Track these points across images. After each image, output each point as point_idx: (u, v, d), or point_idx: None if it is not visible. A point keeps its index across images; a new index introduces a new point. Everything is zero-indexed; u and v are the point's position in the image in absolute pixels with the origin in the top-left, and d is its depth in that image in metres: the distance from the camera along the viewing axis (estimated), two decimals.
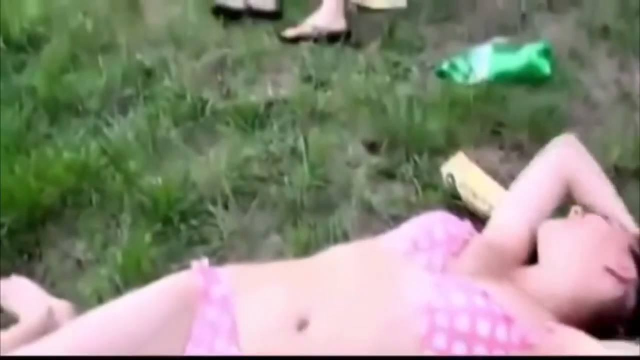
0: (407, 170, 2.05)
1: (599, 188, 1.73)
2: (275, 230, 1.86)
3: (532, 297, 1.45)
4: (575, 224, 1.58)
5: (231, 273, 1.46)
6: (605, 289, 1.47)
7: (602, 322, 1.46)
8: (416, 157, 2.08)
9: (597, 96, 2.38)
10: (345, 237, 1.81)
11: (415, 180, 2.02)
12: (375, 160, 2.09)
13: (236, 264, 1.55)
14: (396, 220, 1.88)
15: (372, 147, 2.13)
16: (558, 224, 1.59)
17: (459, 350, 1.31)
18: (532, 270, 1.53)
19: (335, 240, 1.80)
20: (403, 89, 2.40)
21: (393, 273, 1.42)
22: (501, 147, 2.20)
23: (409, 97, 2.32)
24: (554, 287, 1.48)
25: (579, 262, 1.50)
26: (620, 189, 2.01)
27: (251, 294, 1.39)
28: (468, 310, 1.33)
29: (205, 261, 1.47)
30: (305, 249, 1.75)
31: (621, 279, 1.47)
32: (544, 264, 1.53)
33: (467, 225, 1.57)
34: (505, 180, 2.02)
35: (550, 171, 1.70)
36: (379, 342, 1.32)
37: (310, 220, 1.88)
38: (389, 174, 2.05)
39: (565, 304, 1.46)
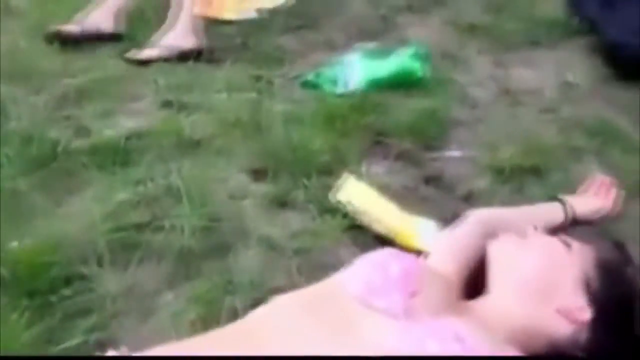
0: (298, 196, 1.81)
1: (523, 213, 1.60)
2: (166, 286, 1.54)
3: (490, 330, 1.25)
4: (530, 246, 1.36)
5: None
6: (557, 330, 1.27)
7: (558, 353, 1.28)
8: (305, 181, 1.83)
9: (475, 95, 2.23)
10: (252, 284, 1.53)
11: (310, 206, 1.77)
12: (262, 188, 1.82)
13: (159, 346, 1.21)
14: (301, 254, 1.64)
15: (257, 175, 1.87)
16: (512, 245, 1.37)
17: None
18: (482, 300, 1.33)
19: (241, 288, 1.52)
20: (273, 105, 2.14)
21: (351, 322, 1.17)
22: (386, 157, 2.00)
23: (283, 114, 2.08)
24: (507, 317, 1.27)
25: (531, 297, 1.29)
26: (520, 189, 1.90)
27: None
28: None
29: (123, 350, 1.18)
30: (210, 306, 1.46)
31: (574, 321, 1.28)
32: (494, 291, 1.32)
33: (416, 258, 1.35)
34: (398, 192, 1.83)
35: (470, 226, 1.53)
36: None
37: (205, 268, 1.58)
38: (280, 203, 1.78)
39: (520, 335, 1.26)
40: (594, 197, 1.75)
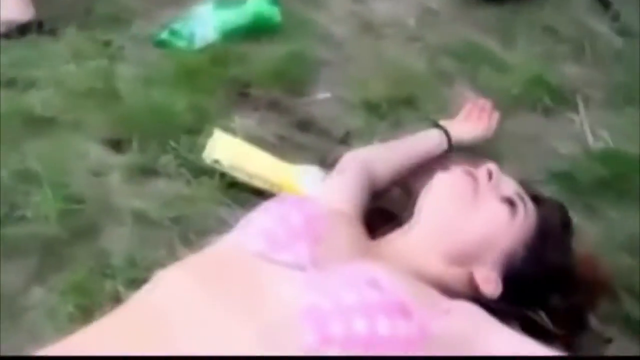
0: (167, 161, 1.66)
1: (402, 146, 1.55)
2: (35, 281, 1.38)
3: (403, 268, 1.17)
4: (480, 209, 1.25)
5: None
6: (459, 291, 1.21)
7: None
8: (172, 144, 1.68)
9: (337, 33, 2.12)
10: (132, 263, 1.39)
11: (183, 170, 1.64)
12: (126, 159, 1.66)
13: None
14: (180, 222, 1.51)
15: (119, 146, 1.70)
16: (460, 200, 1.25)
17: None
18: (395, 239, 1.26)
19: (120, 270, 1.38)
20: (127, 70, 1.97)
21: (258, 284, 1.06)
22: (256, 109, 1.88)
23: (139, 78, 1.91)
24: (422, 266, 1.21)
25: (456, 258, 1.23)
26: (397, 122, 1.83)
27: None
28: (363, 309, 1.01)
29: None
30: (88, 294, 1.32)
31: (477, 292, 1.22)
32: (415, 234, 1.25)
33: (318, 203, 1.25)
34: (273, 142, 1.74)
35: (351, 169, 1.47)
36: None
37: (76, 254, 1.42)
38: (148, 172, 1.64)
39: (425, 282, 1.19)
40: (472, 122, 1.70)
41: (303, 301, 1.02)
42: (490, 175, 1.27)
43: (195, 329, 0.99)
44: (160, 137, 1.70)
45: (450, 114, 1.73)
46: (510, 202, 1.25)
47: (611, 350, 1.24)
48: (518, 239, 1.24)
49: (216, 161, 1.63)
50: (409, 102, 1.85)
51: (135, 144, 1.68)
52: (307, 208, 1.20)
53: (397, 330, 1.02)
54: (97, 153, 1.68)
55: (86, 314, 1.28)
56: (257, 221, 1.17)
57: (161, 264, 1.32)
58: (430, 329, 1.05)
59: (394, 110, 1.84)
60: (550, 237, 1.27)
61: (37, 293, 1.37)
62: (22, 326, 1.32)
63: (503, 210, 1.24)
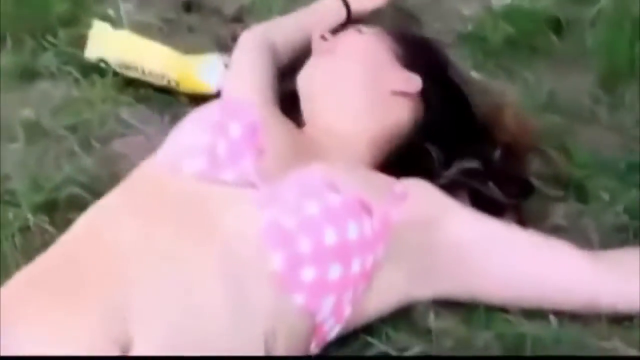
0: (48, 60, 1.45)
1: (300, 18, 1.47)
2: None
3: (348, 158, 1.11)
4: (334, 58, 1.21)
5: None
6: (400, 114, 1.19)
7: (412, 153, 1.19)
8: (51, 39, 1.48)
9: None
10: (35, 186, 1.20)
11: (69, 68, 1.44)
12: (2, 62, 1.45)
13: None
14: (77, 131, 1.33)
15: None
16: (318, 69, 1.21)
17: (335, 273, 0.93)
18: (319, 130, 1.16)
19: (25, 197, 1.19)
20: None
21: (201, 208, 0.95)
22: None
23: None
24: (356, 135, 1.15)
25: (365, 104, 1.17)
26: None
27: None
28: (329, 217, 0.93)
29: None
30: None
31: (409, 95, 1.19)
32: (325, 119, 1.17)
33: (254, 105, 1.13)
34: (161, 27, 1.56)
35: (251, 49, 1.37)
36: (227, 302, 0.88)
37: None
38: (30, 74, 1.43)
39: (375, 144, 1.16)
40: None
41: (261, 221, 0.93)
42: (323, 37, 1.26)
43: (152, 267, 0.88)
44: (35, 33, 1.49)
45: None
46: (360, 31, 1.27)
47: (557, 211, 1.23)
48: (386, 42, 1.25)
49: (102, 60, 1.44)
50: None
51: (7, 44, 1.47)
52: (243, 115, 1.06)
53: (363, 230, 0.96)
54: None
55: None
56: (191, 137, 1.04)
57: (69, 182, 1.19)
58: (392, 218, 1.00)
59: None
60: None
61: None
62: None
63: (353, 35, 1.26)
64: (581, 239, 1.17)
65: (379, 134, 1.18)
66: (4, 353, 0.80)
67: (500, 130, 1.23)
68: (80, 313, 0.84)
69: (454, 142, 1.19)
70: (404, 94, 1.20)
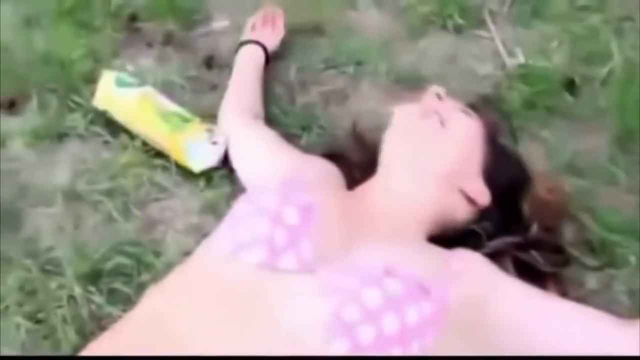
0: (75, 121, 1.42)
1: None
2: None
3: (401, 231, 1.09)
4: (445, 132, 1.17)
5: None
6: (459, 212, 1.17)
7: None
8: (77, 99, 1.45)
9: None
10: (79, 253, 1.18)
11: (100, 130, 1.41)
12: (26, 122, 1.42)
13: None
14: (111, 194, 1.31)
15: (12, 107, 1.44)
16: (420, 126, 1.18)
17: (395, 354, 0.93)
18: (375, 190, 1.15)
19: (69, 265, 1.16)
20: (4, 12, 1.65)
21: (262, 299, 0.94)
22: (150, 45, 1.67)
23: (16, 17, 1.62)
24: (418, 208, 1.13)
25: (443, 183, 1.15)
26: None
27: None
28: (390, 306, 0.93)
29: None
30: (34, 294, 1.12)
31: (474, 204, 1.18)
32: (394, 180, 1.15)
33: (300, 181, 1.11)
34: (182, 84, 1.55)
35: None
36: None
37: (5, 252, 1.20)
38: (57, 135, 1.40)
39: (427, 223, 1.13)
40: (271, 28, 1.63)
41: (323, 312, 0.92)
42: (439, 96, 1.22)
43: None
44: (59, 91, 1.47)
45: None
46: (467, 114, 1.24)
47: (592, 280, 1.25)
48: (482, 145, 1.22)
49: (106, 111, 1.43)
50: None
51: (31, 103, 1.44)
52: (297, 198, 1.04)
53: (423, 313, 0.96)
54: None
55: (39, 322, 1.11)
56: (249, 227, 1.00)
57: (114, 252, 1.17)
58: (449, 299, 1.00)
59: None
60: (501, 135, 1.28)
61: None
62: None
63: (468, 121, 1.21)
64: (613, 302, 1.21)
65: (435, 219, 1.15)
66: None
67: (536, 200, 1.22)
68: None
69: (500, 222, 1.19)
70: (469, 199, 1.18)
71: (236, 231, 1.00)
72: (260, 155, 1.32)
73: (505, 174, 1.21)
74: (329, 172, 1.22)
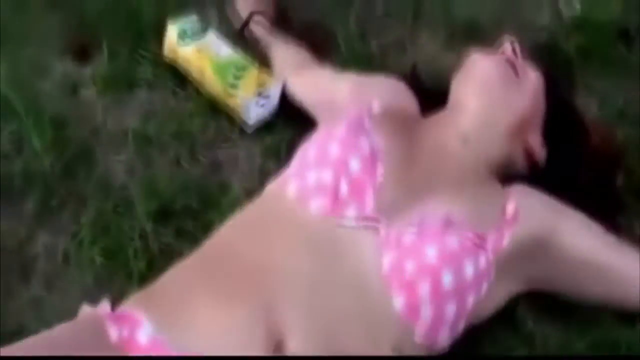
0: (144, 70, 1.42)
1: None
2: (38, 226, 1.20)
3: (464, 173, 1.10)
4: (519, 82, 1.17)
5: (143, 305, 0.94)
6: (517, 164, 1.17)
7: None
8: (143, 52, 1.45)
9: None
10: (152, 193, 1.22)
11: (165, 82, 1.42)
12: (97, 71, 1.43)
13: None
14: (180, 138, 1.33)
15: (82, 55, 1.46)
16: (502, 83, 1.16)
17: (451, 312, 0.96)
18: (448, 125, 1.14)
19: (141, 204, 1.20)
20: None
21: (328, 247, 0.97)
22: None
23: None
24: (486, 157, 1.13)
25: (512, 135, 1.15)
26: None
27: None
28: (447, 261, 0.95)
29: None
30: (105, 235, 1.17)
31: (531, 159, 1.18)
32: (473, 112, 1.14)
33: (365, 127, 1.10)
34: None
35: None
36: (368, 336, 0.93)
37: (80, 191, 1.24)
38: (127, 83, 1.41)
39: (489, 171, 1.13)
40: None
41: (383, 264, 0.95)
42: (514, 50, 1.22)
43: (301, 289, 0.93)
44: (127, 40, 1.48)
45: None
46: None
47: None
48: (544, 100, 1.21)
49: (171, 60, 1.45)
50: None
51: (101, 52, 1.46)
52: (361, 145, 1.05)
53: (479, 266, 0.99)
54: (62, 66, 1.45)
55: (114, 259, 1.15)
56: (316, 174, 1.02)
57: (182, 192, 1.20)
58: (503, 246, 1.02)
59: None
60: (561, 89, 1.26)
61: (43, 239, 1.20)
62: (34, 276, 1.16)
63: (539, 77, 1.20)
64: None
65: (500, 166, 1.15)
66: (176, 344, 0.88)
67: (589, 148, 1.23)
68: (239, 313, 0.90)
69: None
70: (528, 154, 1.18)
71: (304, 177, 1.02)
72: (322, 85, 1.31)
73: (562, 130, 1.20)
74: (398, 91, 1.23)
